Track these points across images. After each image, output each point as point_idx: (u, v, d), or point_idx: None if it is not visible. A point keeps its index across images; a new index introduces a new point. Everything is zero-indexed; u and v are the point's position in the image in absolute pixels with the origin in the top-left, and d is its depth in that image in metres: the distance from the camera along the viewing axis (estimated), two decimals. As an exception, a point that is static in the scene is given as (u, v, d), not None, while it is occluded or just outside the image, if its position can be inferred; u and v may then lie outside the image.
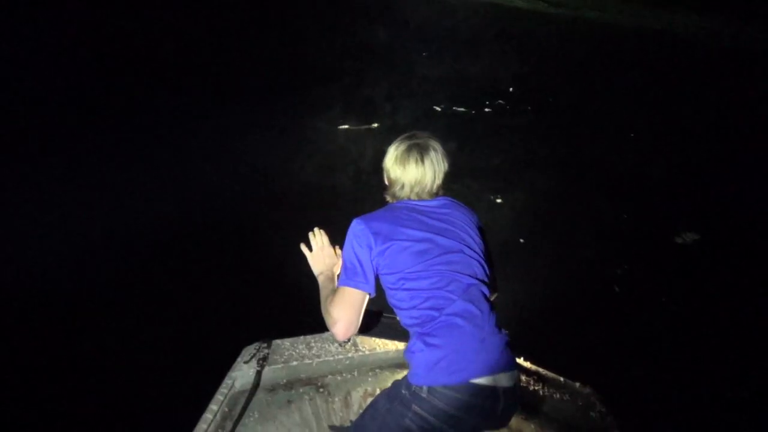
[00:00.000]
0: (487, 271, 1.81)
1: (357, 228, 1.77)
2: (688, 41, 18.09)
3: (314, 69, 10.10)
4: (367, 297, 1.73)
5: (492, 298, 1.84)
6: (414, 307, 1.68)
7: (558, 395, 2.36)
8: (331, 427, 2.14)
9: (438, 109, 9.32)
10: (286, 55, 10.79)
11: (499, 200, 6.32)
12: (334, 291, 1.77)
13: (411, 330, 1.72)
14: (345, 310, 1.69)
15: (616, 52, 15.61)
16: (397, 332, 2.39)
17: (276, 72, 9.62)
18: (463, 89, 10.34)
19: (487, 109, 9.74)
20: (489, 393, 1.58)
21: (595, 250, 5.37)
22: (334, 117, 7.96)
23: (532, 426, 2.28)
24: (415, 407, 1.59)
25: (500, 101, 10.19)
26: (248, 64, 9.82)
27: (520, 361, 2.53)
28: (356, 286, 1.71)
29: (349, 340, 2.50)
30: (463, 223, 1.86)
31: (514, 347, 1.71)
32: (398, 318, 1.83)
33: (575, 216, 6.11)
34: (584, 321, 4.15)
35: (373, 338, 2.51)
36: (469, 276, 1.73)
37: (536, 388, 2.39)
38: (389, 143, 1.96)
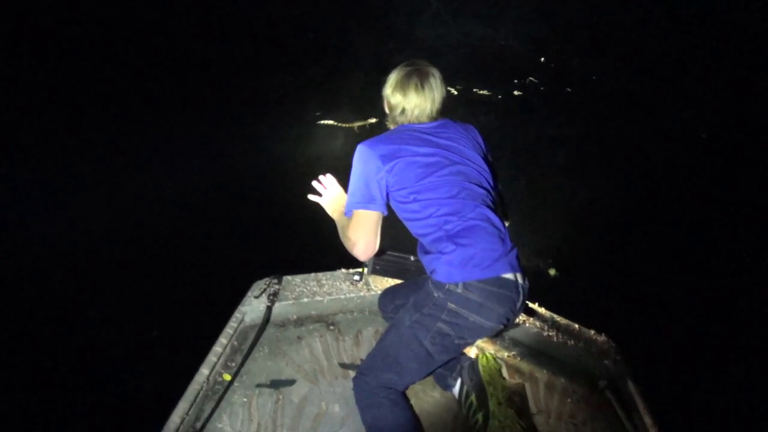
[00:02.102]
0: (492, 182, 1.90)
1: (362, 151, 1.81)
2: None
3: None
4: (380, 216, 1.79)
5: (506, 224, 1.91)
6: (430, 216, 1.74)
7: (572, 342, 2.32)
8: (342, 364, 2.12)
9: (454, 92, 7.35)
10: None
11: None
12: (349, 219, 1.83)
13: (429, 237, 1.76)
14: (360, 231, 1.76)
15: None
16: (409, 272, 2.35)
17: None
18: (479, 61, 8.41)
19: (516, 91, 7.82)
20: (514, 286, 1.69)
21: (618, 210, 5.21)
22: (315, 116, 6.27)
23: (545, 371, 2.26)
24: (450, 305, 1.67)
25: (531, 78, 8.21)
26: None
27: (535, 306, 2.49)
28: (366, 207, 1.77)
29: (361, 278, 2.47)
30: (466, 139, 1.93)
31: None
32: (411, 229, 1.85)
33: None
34: (602, 273, 4.09)
35: (385, 278, 2.46)
36: (479, 185, 1.81)
37: (550, 334, 2.34)
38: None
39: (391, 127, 1.99)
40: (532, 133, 6.68)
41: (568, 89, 8.30)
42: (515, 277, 1.70)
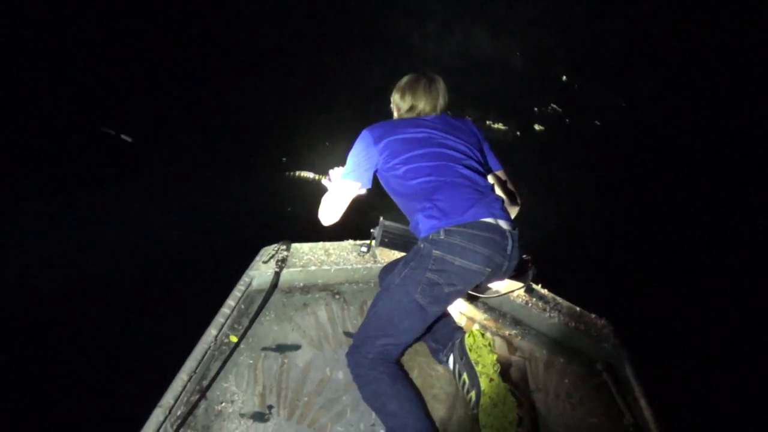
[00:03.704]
0: (480, 157, 2.08)
1: (361, 134, 2.06)
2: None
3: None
4: (357, 186, 2.04)
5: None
6: (412, 179, 1.90)
7: (573, 324, 2.35)
8: (346, 333, 2.15)
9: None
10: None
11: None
12: None
13: (411, 200, 1.93)
14: (331, 198, 2.07)
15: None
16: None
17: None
18: (492, 81, 6.98)
19: (537, 125, 6.51)
20: (498, 230, 1.80)
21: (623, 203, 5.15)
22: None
23: (545, 351, 2.30)
24: (435, 252, 1.77)
25: (553, 105, 6.97)
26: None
27: (538, 287, 2.51)
28: (345, 177, 2.03)
29: (368, 250, 2.49)
30: (462, 125, 2.15)
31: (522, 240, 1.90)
32: (398, 201, 2.04)
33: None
34: (604, 258, 4.12)
35: (393, 251, 2.48)
36: (464, 155, 1.98)
37: (551, 315, 2.37)
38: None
39: None
40: (560, 189, 5.52)
41: (597, 122, 6.97)
42: (496, 221, 1.81)
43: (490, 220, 1.79)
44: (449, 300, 1.89)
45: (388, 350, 1.83)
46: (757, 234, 5.08)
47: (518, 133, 6.43)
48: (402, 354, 1.97)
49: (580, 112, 7.16)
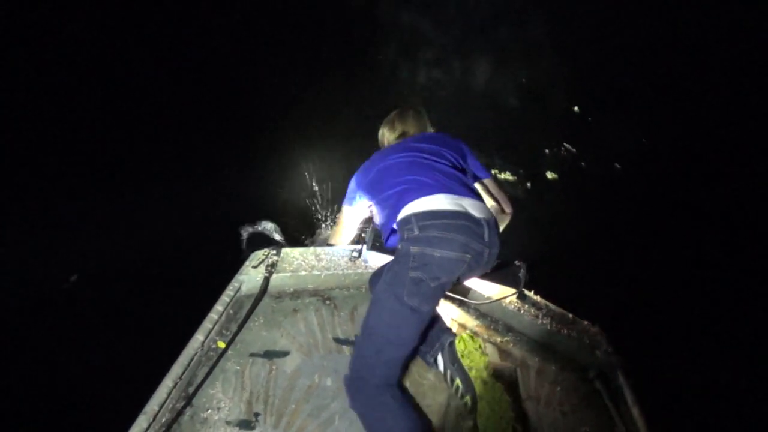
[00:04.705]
0: (466, 170, 2.17)
1: (352, 181, 2.30)
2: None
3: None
4: (351, 211, 2.35)
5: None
6: (390, 189, 2.02)
7: (565, 331, 2.33)
8: (336, 339, 2.12)
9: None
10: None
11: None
12: None
13: (387, 207, 2.03)
14: (337, 224, 2.51)
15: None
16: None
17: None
18: (493, 115, 6.13)
19: (550, 172, 5.52)
20: (468, 216, 1.83)
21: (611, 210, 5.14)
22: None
23: (537, 359, 2.27)
24: (413, 248, 1.80)
25: (566, 145, 5.86)
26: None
27: (530, 294, 2.49)
28: (343, 203, 2.36)
29: (359, 255, 2.47)
30: (443, 137, 2.23)
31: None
32: (377, 219, 2.23)
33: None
34: (596, 265, 4.11)
35: (384, 255, 2.46)
36: (448, 166, 2.06)
37: (544, 322, 2.35)
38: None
39: None
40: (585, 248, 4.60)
41: (617, 165, 5.96)
42: (466, 209, 1.84)
43: (457, 208, 1.83)
44: (438, 295, 1.88)
45: (391, 370, 1.79)
46: (752, 239, 5.09)
47: (529, 184, 5.38)
48: (404, 370, 1.93)
49: (597, 150, 6.17)
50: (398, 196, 1.95)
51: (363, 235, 2.43)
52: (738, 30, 8.60)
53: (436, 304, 1.94)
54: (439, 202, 1.84)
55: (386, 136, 2.38)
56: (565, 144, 6.11)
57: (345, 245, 2.53)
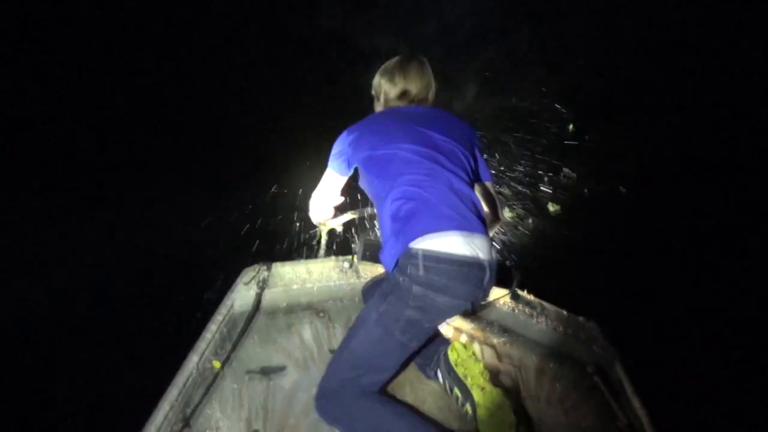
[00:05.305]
0: (474, 171, 1.90)
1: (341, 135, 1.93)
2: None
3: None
4: (336, 176, 1.96)
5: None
6: (396, 187, 1.73)
7: (561, 328, 2.34)
8: (332, 351, 2.11)
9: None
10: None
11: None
12: None
13: (387, 210, 1.74)
14: (318, 187, 2.06)
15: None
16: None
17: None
18: (488, 140, 6.04)
19: (552, 207, 5.26)
20: (475, 263, 1.64)
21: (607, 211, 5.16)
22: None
23: (534, 358, 2.27)
24: (416, 288, 1.62)
25: (566, 170, 5.74)
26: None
27: (524, 293, 2.50)
28: (328, 166, 1.96)
29: (351, 266, 2.46)
30: (456, 122, 1.92)
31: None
32: (372, 200, 1.89)
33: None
34: (591, 260, 4.12)
35: (376, 265, 2.45)
36: (460, 169, 1.80)
37: (539, 320, 2.36)
38: None
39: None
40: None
41: (622, 188, 5.76)
42: (476, 254, 1.64)
43: (469, 253, 1.63)
44: (429, 333, 1.80)
45: (373, 385, 1.75)
46: (747, 234, 5.12)
47: (531, 220, 4.92)
48: (386, 385, 1.89)
49: (598, 173, 5.94)
50: (408, 213, 1.68)
51: (353, 245, 2.42)
52: (736, 33, 8.67)
53: (427, 339, 1.87)
54: (453, 244, 1.62)
55: (384, 89, 1.98)
56: (564, 169, 6.05)
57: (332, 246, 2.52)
